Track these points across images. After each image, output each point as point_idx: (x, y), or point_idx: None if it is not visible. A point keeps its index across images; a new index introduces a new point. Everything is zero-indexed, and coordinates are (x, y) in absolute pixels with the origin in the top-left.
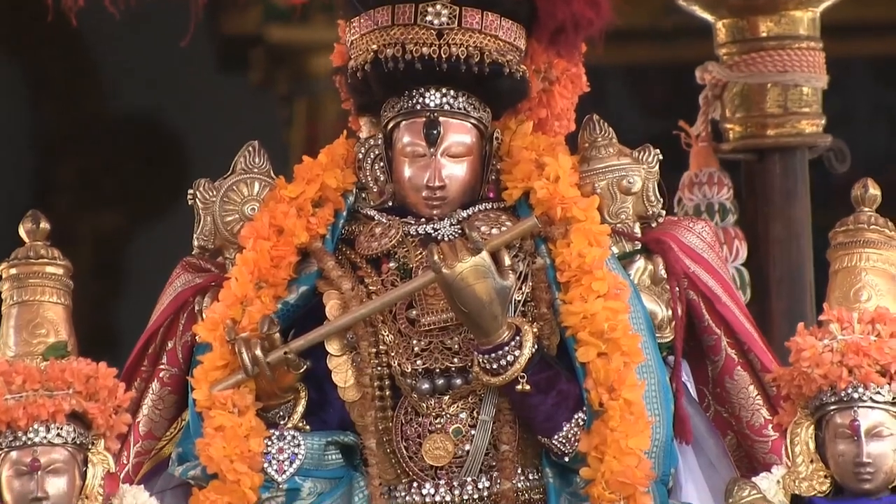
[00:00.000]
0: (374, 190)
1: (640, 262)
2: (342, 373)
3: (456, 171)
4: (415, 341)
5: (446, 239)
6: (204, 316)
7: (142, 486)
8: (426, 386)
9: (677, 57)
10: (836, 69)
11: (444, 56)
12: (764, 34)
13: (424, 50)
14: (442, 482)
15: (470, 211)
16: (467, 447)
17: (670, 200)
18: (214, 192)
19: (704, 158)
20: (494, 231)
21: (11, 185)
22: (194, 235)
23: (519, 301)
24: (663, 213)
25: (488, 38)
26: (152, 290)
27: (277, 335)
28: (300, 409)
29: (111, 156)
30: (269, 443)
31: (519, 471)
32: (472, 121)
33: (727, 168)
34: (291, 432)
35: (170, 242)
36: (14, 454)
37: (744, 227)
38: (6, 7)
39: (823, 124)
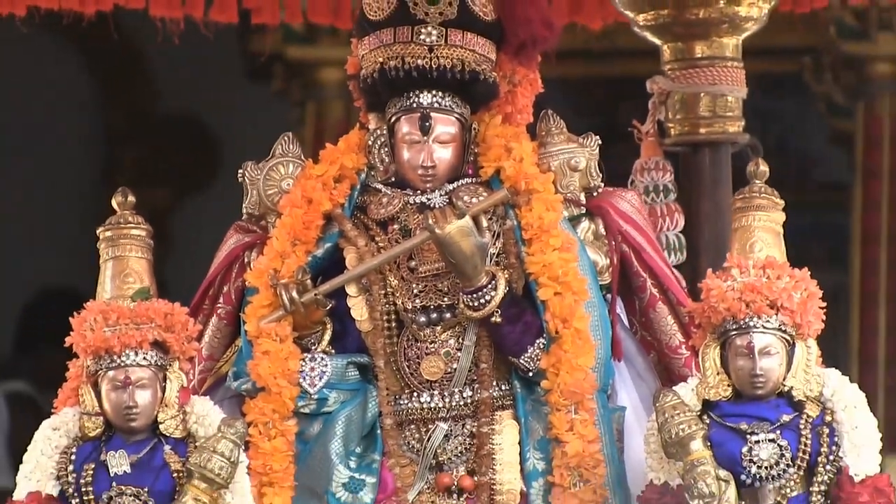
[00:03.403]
0: (381, 169)
1: (585, 223)
2: (359, 309)
3: (444, 154)
4: (414, 285)
5: (437, 206)
6: (252, 266)
7: (206, 397)
8: (423, 319)
9: (631, 71)
10: None
11: (434, 66)
12: (699, 55)
13: (419, 62)
14: (435, 392)
15: (455, 185)
16: (455, 365)
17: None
18: (259, 172)
19: (652, 150)
20: (474, 200)
21: (84, 166)
22: (243, 205)
23: (494, 254)
24: (602, 185)
25: (468, 52)
26: (192, 251)
27: (309, 281)
28: (327, 337)
29: (161, 145)
30: (304, 363)
31: (494, 383)
32: (456, 115)
33: (669, 157)
34: (320, 355)
35: (205, 214)
36: (111, 373)
37: (681, 203)
38: (82, 27)
39: (743, 125)
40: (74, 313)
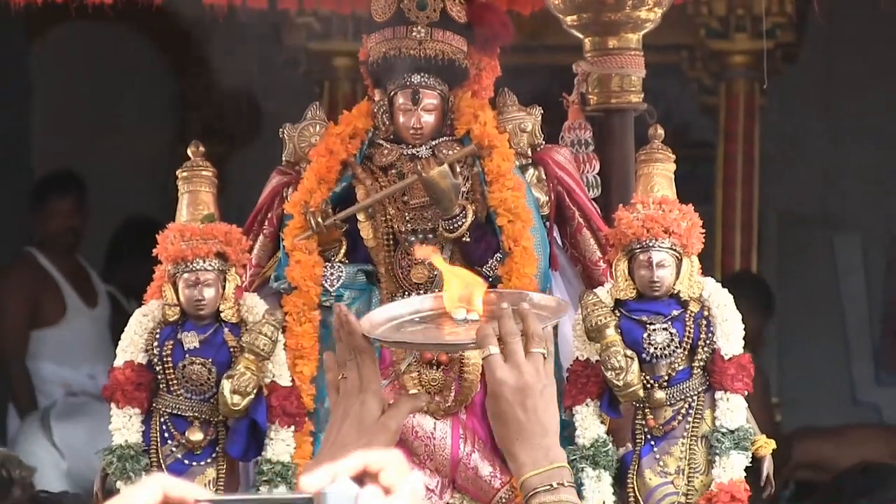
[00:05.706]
0: (383, 129)
1: (531, 170)
2: (366, 230)
3: (428, 119)
4: (406, 213)
5: (423, 156)
6: (289, 199)
7: (255, 293)
8: (413, 238)
9: (564, 61)
10: None
11: (422, 55)
12: (611, 47)
13: (412, 52)
14: (422, 292)
15: (437, 141)
16: (435, 272)
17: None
18: (295, 130)
19: (576, 114)
20: (451, 152)
21: (160, 127)
22: (283, 154)
23: (464, 192)
24: (543, 142)
25: (447, 45)
26: (239, 192)
27: (330, 210)
28: (342, 250)
29: (219, 112)
30: (326, 269)
31: None
32: (438, 91)
33: (589, 119)
34: (338, 264)
35: (248, 163)
36: (185, 275)
37: (597, 153)
38: (164, 23)
39: (642, 97)
40: (157, 235)
